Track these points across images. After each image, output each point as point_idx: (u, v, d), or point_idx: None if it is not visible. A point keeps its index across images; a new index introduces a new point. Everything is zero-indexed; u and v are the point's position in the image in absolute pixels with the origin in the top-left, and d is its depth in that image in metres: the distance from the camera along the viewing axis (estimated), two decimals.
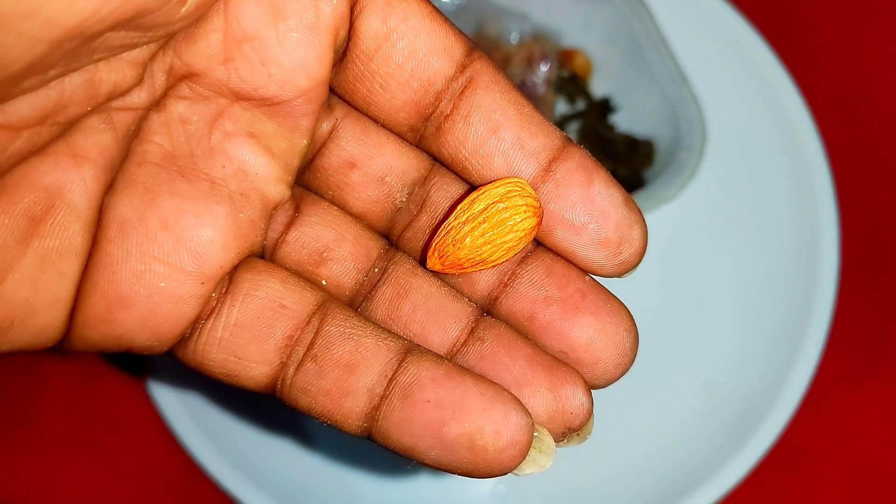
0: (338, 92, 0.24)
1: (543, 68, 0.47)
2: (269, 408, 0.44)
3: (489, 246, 0.23)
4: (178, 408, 0.44)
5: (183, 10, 0.20)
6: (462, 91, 0.23)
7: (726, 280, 0.47)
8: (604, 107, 0.49)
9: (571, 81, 0.49)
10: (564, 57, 0.49)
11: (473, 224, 0.23)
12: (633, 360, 0.24)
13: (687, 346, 0.46)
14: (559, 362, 0.23)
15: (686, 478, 0.43)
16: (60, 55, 0.19)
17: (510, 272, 0.24)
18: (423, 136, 0.24)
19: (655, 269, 0.44)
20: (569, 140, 0.23)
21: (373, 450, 0.43)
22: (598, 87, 0.49)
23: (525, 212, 0.22)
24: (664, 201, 0.43)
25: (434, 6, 0.23)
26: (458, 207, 0.23)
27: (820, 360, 0.44)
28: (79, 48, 0.19)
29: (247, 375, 0.23)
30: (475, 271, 0.24)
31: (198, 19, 0.21)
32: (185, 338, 0.23)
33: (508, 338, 0.23)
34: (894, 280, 0.48)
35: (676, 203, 0.43)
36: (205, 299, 0.23)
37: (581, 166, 0.23)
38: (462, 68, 0.23)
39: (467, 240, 0.23)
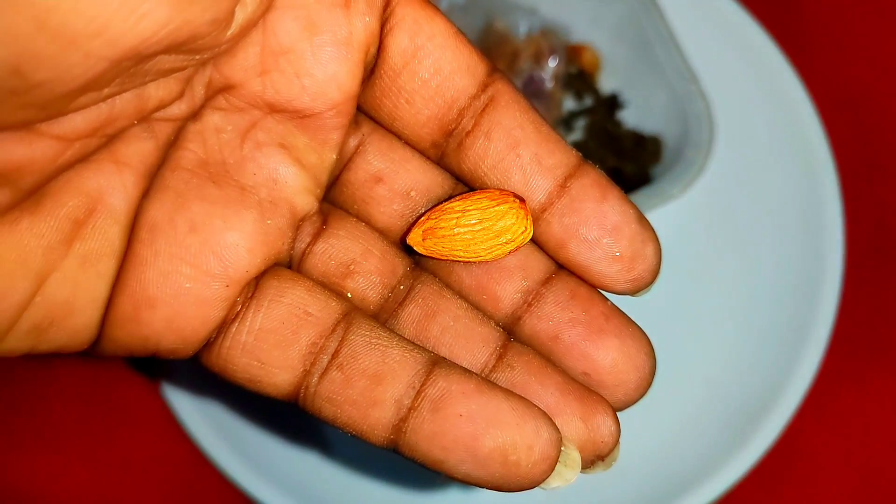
0: (363, 108, 0.25)
1: (551, 63, 0.47)
2: (280, 403, 0.44)
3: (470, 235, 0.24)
4: (188, 401, 0.44)
5: (228, 33, 0.21)
6: (483, 109, 0.24)
7: (731, 278, 0.47)
8: (611, 103, 0.49)
9: (579, 77, 0.49)
10: (573, 52, 0.49)
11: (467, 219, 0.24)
12: (650, 385, 0.24)
13: (689, 344, 0.46)
14: (589, 391, 0.23)
15: (686, 476, 0.43)
16: (117, 74, 0.19)
17: (535, 292, 0.24)
18: (444, 152, 0.25)
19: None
20: (584, 159, 0.24)
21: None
22: (606, 82, 0.49)
23: (517, 222, 0.23)
24: (671, 198, 0.43)
25: (457, 27, 0.24)
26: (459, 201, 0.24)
27: (823, 359, 0.44)
28: (133, 68, 0.20)
29: (269, 381, 0.23)
30: (453, 253, 0.24)
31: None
32: (209, 342, 0.23)
33: (538, 365, 0.24)
34: None
35: (683, 200, 0.43)
36: (230, 303, 0.23)
37: (596, 183, 0.24)
38: (484, 87, 0.24)
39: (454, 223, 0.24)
